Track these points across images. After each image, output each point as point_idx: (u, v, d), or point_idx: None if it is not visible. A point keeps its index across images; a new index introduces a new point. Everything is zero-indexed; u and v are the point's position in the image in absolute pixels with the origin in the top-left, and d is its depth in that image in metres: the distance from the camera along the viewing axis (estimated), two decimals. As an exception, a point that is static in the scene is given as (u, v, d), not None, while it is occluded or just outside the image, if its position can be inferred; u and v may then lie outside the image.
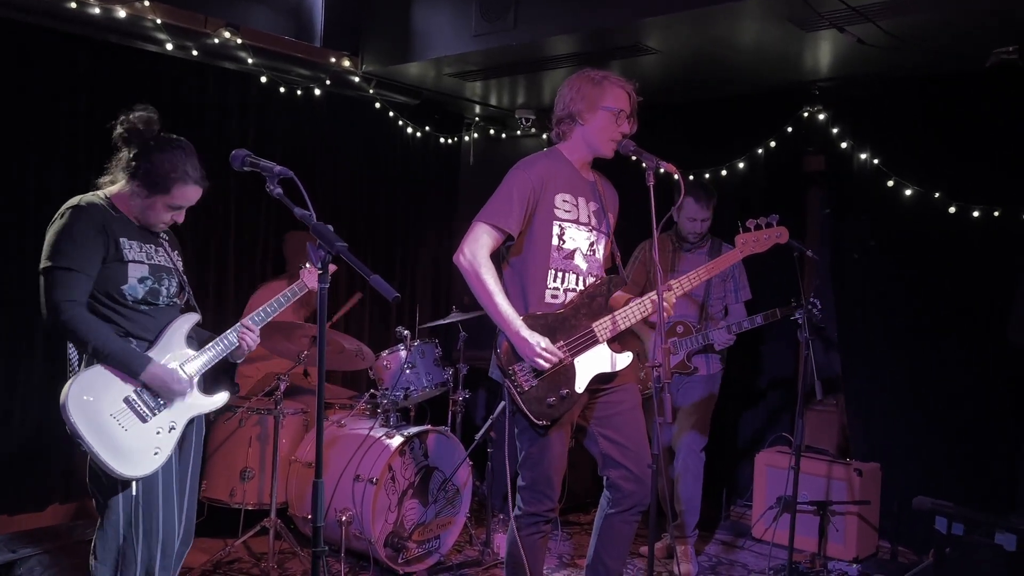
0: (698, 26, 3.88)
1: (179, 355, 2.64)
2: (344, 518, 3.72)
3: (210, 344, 2.72)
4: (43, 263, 2.48)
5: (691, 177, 5.02)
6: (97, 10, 3.96)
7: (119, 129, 2.59)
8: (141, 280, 2.56)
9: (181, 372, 2.60)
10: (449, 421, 4.47)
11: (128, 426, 2.48)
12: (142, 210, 2.61)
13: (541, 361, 2.76)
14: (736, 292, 4.31)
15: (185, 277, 2.77)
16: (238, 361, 2.88)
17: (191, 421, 2.69)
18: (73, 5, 3.89)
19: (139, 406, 2.52)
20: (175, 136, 2.63)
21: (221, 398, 2.76)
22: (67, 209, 2.52)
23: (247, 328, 2.77)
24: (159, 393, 2.54)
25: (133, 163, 2.57)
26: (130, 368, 2.49)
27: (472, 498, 4.27)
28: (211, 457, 4.12)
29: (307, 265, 3.16)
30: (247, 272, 4.92)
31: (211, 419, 4.14)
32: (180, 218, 2.67)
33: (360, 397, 4.39)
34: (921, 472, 4.31)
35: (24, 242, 3.94)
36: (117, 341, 2.50)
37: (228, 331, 2.76)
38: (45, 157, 4.09)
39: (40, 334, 4.08)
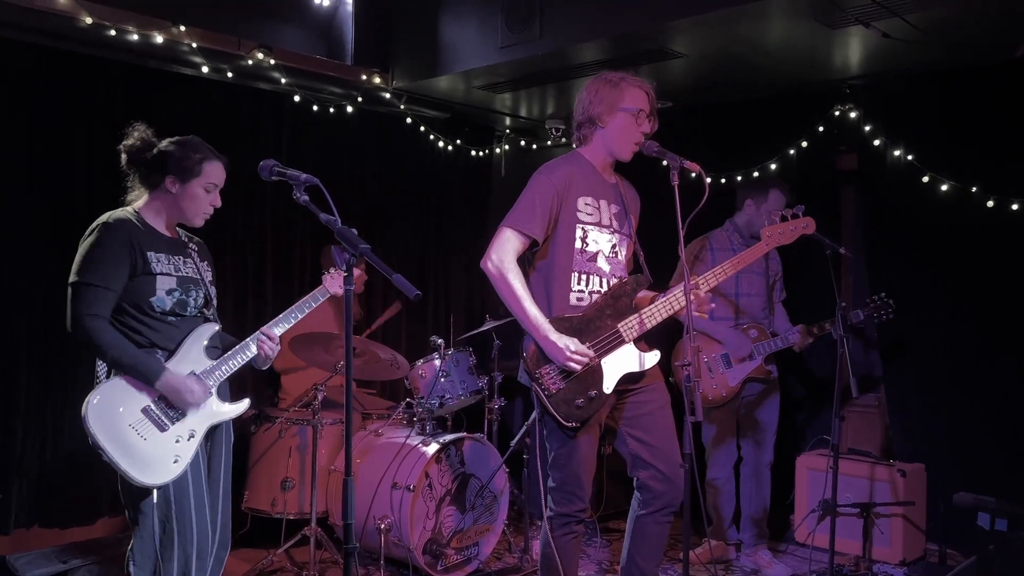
0: (724, 28, 3.88)
1: (197, 364, 2.69)
2: (383, 525, 3.76)
3: (228, 354, 2.76)
4: (71, 277, 2.59)
5: (723, 180, 5.01)
6: (135, 36, 4.10)
7: (123, 158, 2.72)
8: (169, 292, 2.64)
9: (197, 383, 2.64)
10: (485, 429, 4.50)
11: (147, 435, 2.54)
12: (182, 205, 2.70)
13: (572, 364, 2.77)
14: (779, 293, 4.31)
15: (213, 289, 2.84)
16: (263, 368, 2.93)
17: (216, 428, 2.74)
18: (113, 32, 4.04)
19: (157, 415, 2.58)
20: (183, 135, 2.75)
21: (242, 406, 2.80)
22: (96, 226, 2.62)
23: (266, 336, 2.81)
24: (173, 402, 2.59)
25: (156, 169, 2.68)
26: (146, 377, 2.55)
27: (510, 505, 4.29)
28: (252, 468, 4.20)
29: (330, 271, 3.20)
30: (284, 284, 5.02)
31: (252, 430, 4.23)
32: (218, 201, 2.75)
33: (396, 407, 4.44)
34: (967, 471, 4.22)
35: (70, 264, 4.06)
36: (134, 351, 2.56)
37: (246, 340, 2.80)
38: (88, 179, 4.23)
39: (87, 352, 4.20)
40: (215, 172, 2.72)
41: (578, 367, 2.78)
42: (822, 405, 4.94)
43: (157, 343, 2.64)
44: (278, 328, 2.85)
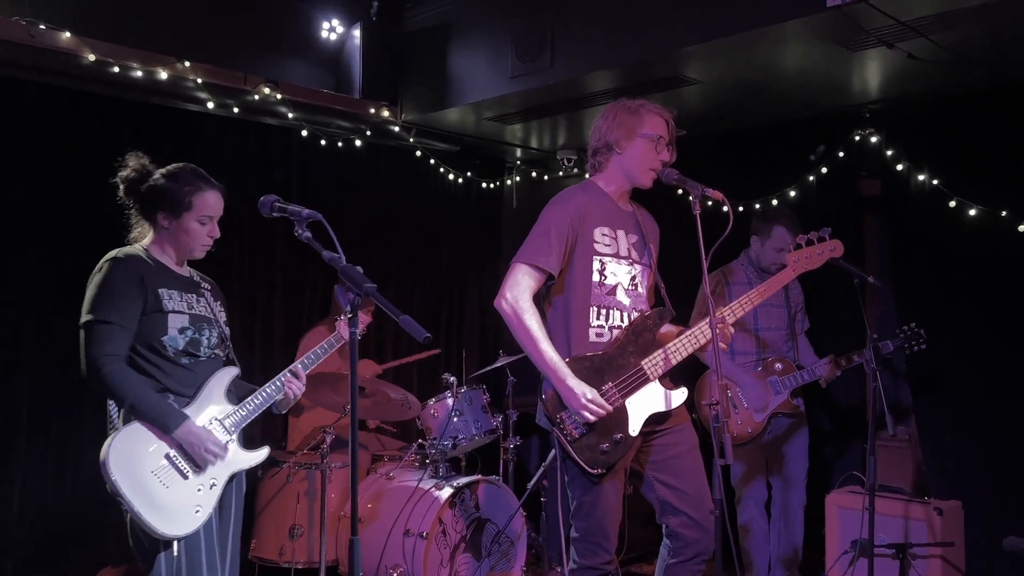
0: (739, 53, 3.79)
1: (218, 410, 2.59)
2: (396, 575, 3.60)
3: (250, 398, 2.66)
4: (83, 317, 2.48)
5: (740, 208, 4.89)
6: (139, 73, 4.04)
7: (120, 188, 2.62)
8: (181, 330, 2.53)
9: (219, 435, 2.55)
10: (500, 469, 4.34)
11: (169, 483, 2.44)
12: (179, 240, 2.60)
13: (587, 414, 2.62)
14: (802, 323, 4.17)
15: (227, 329, 2.74)
16: (283, 412, 2.81)
17: (231, 478, 2.63)
18: (116, 69, 3.99)
19: (180, 463, 2.47)
20: (174, 164, 2.65)
21: (262, 454, 2.69)
22: (105, 262, 2.53)
23: (294, 375, 2.71)
24: (190, 454, 2.48)
25: (149, 205, 2.59)
26: (165, 425, 2.45)
27: (528, 550, 4.12)
28: (259, 515, 4.06)
29: (343, 316, 3.08)
30: (295, 320, 4.92)
31: (258, 475, 4.09)
32: (215, 231, 2.64)
33: (408, 448, 4.29)
34: (1008, 509, 4.02)
35: (75, 306, 3.96)
36: (154, 397, 2.47)
37: (268, 383, 2.70)
38: (93, 219, 4.13)
39: (91, 396, 4.09)
40: (207, 204, 2.59)
41: (592, 418, 2.63)
42: (849, 439, 4.75)
43: (170, 388, 2.53)
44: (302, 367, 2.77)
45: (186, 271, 2.71)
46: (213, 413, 2.57)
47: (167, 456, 2.45)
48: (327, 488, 3.83)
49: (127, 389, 2.42)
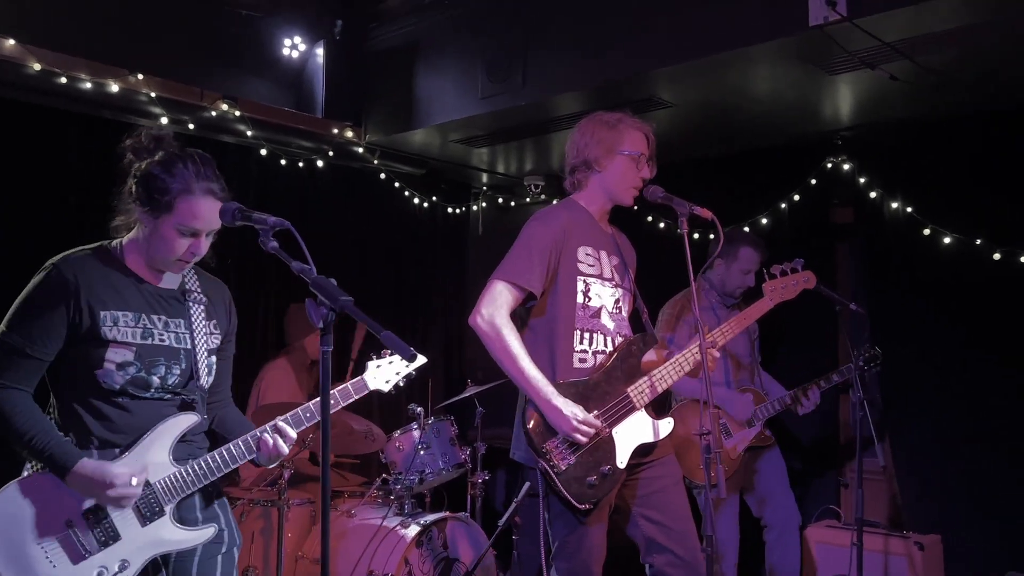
0: (712, 75, 3.72)
1: (156, 471, 2.06)
2: (357, 620, 3.35)
3: (203, 457, 2.12)
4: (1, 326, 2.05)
5: (711, 236, 4.79)
6: (88, 85, 3.83)
7: (127, 154, 2.13)
8: (121, 366, 2.04)
9: (124, 473, 1.99)
10: (468, 506, 4.12)
11: (57, 561, 1.96)
12: (152, 245, 2.09)
13: (578, 435, 2.45)
14: (758, 354, 4.09)
15: (212, 359, 2.21)
16: (267, 466, 2.27)
17: (185, 558, 2.12)
18: (63, 80, 3.76)
19: (76, 536, 1.99)
20: (188, 149, 2.14)
21: (204, 533, 2.14)
22: (43, 268, 2.07)
23: (279, 431, 2.15)
24: (98, 501, 2.00)
25: (133, 188, 2.09)
26: (55, 466, 1.96)
27: (498, 591, 3.89)
28: (210, 556, 3.75)
29: (378, 360, 2.65)
30: (247, 352, 4.63)
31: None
32: (198, 248, 2.11)
33: (371, 483, 4.05)
34: (991, 542, 3.92)
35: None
36: (45, 434, 1.97)
37: (237, 439, 2.16)
38: (38, 235, 3.84)
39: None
40: (194, 211, 2.04)
41: (585, 439, 2.46)
42: (820, 470, 4.63)
43: (96, 434, 2.03)
44: (293, 423, 2.24)
45: (169, 280, 2.18)
46: (148, 472, 2.04)
47: (63, 526, 1.98)
48: (284, 526, 3.57)
49: (12, 420, 1.95)
